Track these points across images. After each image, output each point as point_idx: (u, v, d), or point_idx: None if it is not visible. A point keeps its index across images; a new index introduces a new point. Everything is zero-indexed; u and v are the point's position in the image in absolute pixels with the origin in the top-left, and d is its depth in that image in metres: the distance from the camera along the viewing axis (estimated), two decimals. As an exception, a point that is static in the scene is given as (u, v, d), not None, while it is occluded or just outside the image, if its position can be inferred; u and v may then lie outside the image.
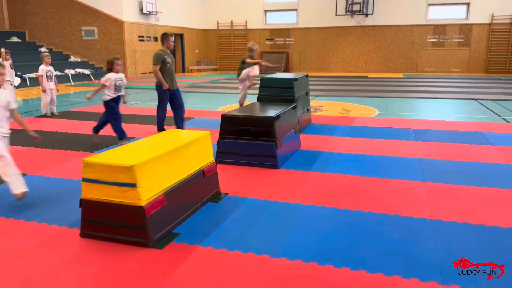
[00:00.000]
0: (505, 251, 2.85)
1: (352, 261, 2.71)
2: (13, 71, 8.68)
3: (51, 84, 8.53)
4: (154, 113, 8.88)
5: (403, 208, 3.61)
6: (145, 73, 20.63)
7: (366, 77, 19.47)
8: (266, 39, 24.86)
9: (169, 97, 6.53)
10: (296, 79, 6.75)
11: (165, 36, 6.37)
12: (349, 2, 22.31)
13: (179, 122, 6.66)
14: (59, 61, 18.34)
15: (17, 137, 6.53)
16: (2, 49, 8.37)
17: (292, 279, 2.52)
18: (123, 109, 8.99)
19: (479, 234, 3.11)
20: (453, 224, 3.29)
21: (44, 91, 8.42)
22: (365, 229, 3.21)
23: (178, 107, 6.61)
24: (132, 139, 6.37)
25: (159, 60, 6.27)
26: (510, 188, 4.10)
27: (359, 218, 3.42)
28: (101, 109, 9.55)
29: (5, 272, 2.63)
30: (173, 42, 6.44)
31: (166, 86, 6.35)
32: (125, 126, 7.44)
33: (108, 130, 7.09)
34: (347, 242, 2.99)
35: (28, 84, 14.57)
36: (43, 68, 8.41)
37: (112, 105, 5.95)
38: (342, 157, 5.30)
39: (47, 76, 8.44)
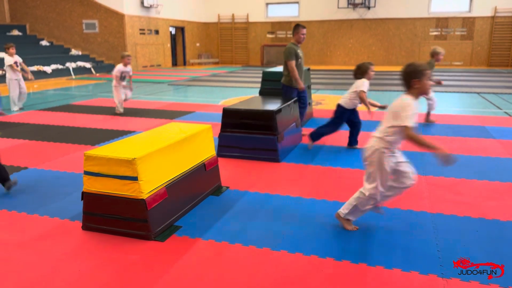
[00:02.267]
0: (505, 245, 2.86)
1: (352, 254, 2.72)
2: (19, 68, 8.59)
3: (123, 84, 7.97)
4: (155, 107, 8.90)
5: (404, 201, 3.62)
6: (146, 66, 20.59)
7: (368, 70, 19.37)
8: (268, 32, 24.77)
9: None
10: (297, 73, 6.73)
11: (296, 28, 5.68)
12: (351, -5, 22.20)
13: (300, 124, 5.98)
14: (60, 54, 18.32)
15: (20, 131, 6.55)
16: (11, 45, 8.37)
17: (292, 272, 2.54)
18: (126, 103, 8.99)
19: (479, 227, 3.11)
20: (454, 217, 3.29)
21: (116, 86, 7.93)
22: (366, 222, 3.21)
23: (303, 106, 5.93)
24: (133, 133, 6.37)
25: (293, 55, 5.57)
26: (511, 182, 4.10)
27: (359, 211, 3.42)
28: (100, 102, 9.59)
29: (8, 264, 2.65)
30: (304, 34, 5.68)
31: (301, 86, 5.68)
32: (126, 120, 7.47)
33: (112, 124, 7.10)
34: (347, 235, 3.00)
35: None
36: (120, 69, 7.82)
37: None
38: (343, 151, 5.31)
39: (121, 76, 7.90)
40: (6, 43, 8.50)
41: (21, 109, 8.57)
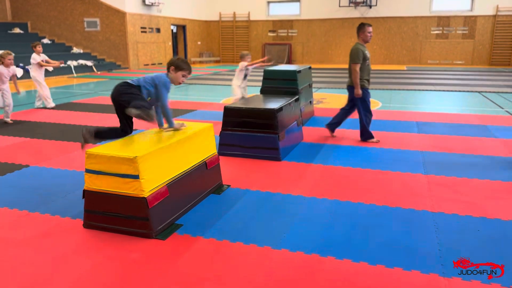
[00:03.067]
0: (507, 244, 2.85)
1: (353, 253, 2.72)
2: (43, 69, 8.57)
3: (244, 83, 7.38)
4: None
5: (405, 200, 3.62)
6: (148, 64, 20.60)
7: (369, 69, 19.35)
8: (269, 31, 24.74)
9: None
10: (299, 71, 6.73)
11: (361, 27, 5.36)
12: (353, -7, 22.16)
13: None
14: (62, 52, 18.32)
15: (21, 128, 6.56)
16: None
17: (293, 271, 2.54)
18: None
19: (480, 226, 3.11)
20: (455, 216, 3.29)
21: (239, 86, 7.34)
22: (367, 221, 3.22)
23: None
24: (134, 131, 6.38)
25: (360, 57, 5.27)
26: (513, 181, 4.10)
27: (360, 210, 3.43)
28: (101, 100, 9.59)
29: (9, 262, 2.65)
30: (370, 33, 5.38)
31: (359, 92, 5.35)
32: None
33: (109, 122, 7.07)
34: (348, 234, 3.00)
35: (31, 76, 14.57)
36: (243, 67, 7.25)
37: None
38: (344, 150, 5.30)
39: (244, 75, 7.34)
40: (6, 40, 8.50)
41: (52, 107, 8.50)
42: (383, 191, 3.86)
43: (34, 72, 8.34)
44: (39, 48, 8.33)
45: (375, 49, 23.11)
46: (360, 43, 5.40)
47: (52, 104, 8.45)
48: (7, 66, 6.90)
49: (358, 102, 5.50)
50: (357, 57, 5.28)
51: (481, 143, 5.56)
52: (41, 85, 8.34)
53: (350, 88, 5.54)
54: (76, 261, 2.66)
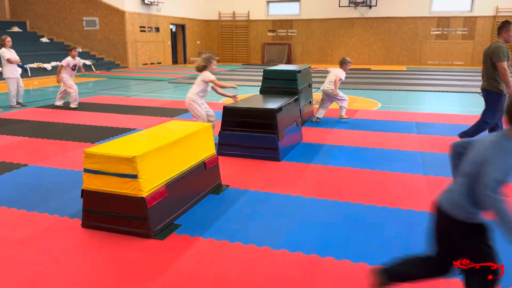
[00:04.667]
0: (506, 245, 2.84)
1: (352, 254, 2.71)
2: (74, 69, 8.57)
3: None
4: (156, 104, 8.87)
5: (405, 201, 3.61)
6: (146, 64, 20.57)
7: (369, 69, 19.36)
8: (269, 31, 24.73)
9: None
10: (299, 71, 6.72)
11: (506, 25, 4.90)
12: (353, -6, 22.15)
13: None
14: (60, 51, 18.28)
15: (19, 128, 6.54)
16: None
17: (292, 271, 2.53)
18: (122, 100, 8.95)
19: (480, 227, 3.10)
20: (455, 217, 3.28)
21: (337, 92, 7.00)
22: (366, 222, 3.21)
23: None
24: (133, 130, 6.36)
25: (505, 55, 4.83)
26: (512, 182, 4.08)
27: (360, 211, 3.42)
28: (100, 99, 9.57)
29: (7, 262, 2.64)
30: None
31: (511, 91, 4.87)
32: (127, 118, 7.44)
33: (109, 121, 7.07)
34: (348, 235, 2.99)
35: (29, 75, 14.52)
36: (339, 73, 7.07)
37: None
38: (343, 150, 5.29)
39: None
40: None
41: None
42: (383, 191, 3.85)
43: (64, 74, 8.39)
44: (74, 52, 8.44)
45: (375, 49, 23.11)
46: (501, 42, 4.95)
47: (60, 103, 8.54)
48: (212, 71, 5.81)
49: (489, 104, 5.08)
50: (503, 54, 4.83)
51: (480, 144, 5.54)
52: (65, 85, 8.39)
53: (486, 91, 5.12)
54: (74, 260, 2.65)
